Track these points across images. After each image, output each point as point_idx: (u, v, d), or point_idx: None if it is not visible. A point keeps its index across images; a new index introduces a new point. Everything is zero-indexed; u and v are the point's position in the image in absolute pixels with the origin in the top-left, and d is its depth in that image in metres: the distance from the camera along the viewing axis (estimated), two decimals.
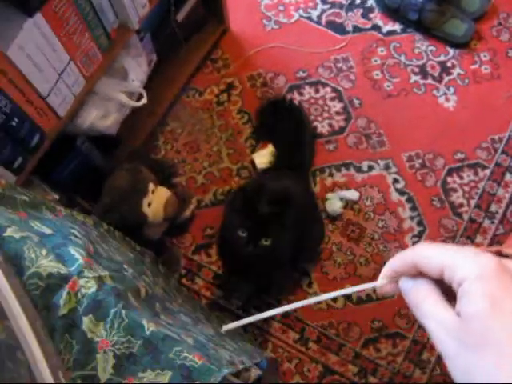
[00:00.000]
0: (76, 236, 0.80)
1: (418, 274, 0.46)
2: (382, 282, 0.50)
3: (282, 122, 1.63)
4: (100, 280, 0.69)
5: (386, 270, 0.49)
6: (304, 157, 1.59)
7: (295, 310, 1.51)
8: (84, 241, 0.79)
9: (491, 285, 0.40)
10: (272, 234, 1.16)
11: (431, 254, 0.44)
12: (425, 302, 0.44)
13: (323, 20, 1.88)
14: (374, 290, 0.52)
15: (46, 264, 0.66)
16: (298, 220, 1.22)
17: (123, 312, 0.66)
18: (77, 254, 0.71)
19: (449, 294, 0.44)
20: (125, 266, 0.87)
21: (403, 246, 1.57)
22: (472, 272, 0.40)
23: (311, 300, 0.55)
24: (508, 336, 0.38)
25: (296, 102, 1.75)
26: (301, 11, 1.89)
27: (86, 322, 0.63)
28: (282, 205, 1.15)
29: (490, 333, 0.38)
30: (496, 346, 0.38)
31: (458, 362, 0.40)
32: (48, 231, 0.77)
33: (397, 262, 0.48)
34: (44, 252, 0.68)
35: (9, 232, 0.68)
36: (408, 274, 0.47)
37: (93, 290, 0.66)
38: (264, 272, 1.35)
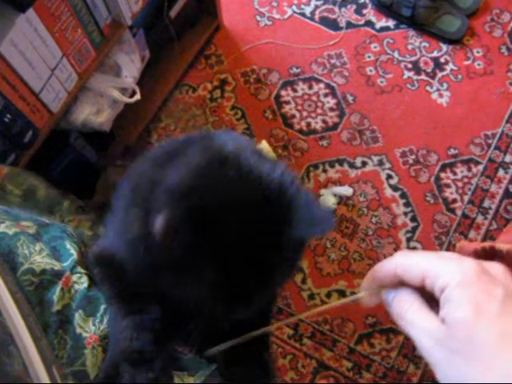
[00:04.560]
0: (72, 234, 0.79)
1: (399, 283, 0.46)
2: (364, 295, 0.49)
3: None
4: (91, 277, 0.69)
5: (367, 282, 0.49)
6: None
7: (289, 307, 1.51)
8: (78, 240, 0.79)
9: (474, 290, 0.40)
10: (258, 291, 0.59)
11: (411, 263, 0.44)
12: (408, 312, 0.44)
13: (316, 16, 1.88)
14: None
15: (40, 260, 0.66)
16: None
17: (110, 311, 0.66)
18: (72, 249, 0.71)
19: (431, 301, 0.44)
20: None
21: (397, 242, 1.58)
22: (454, 278, 0.40)
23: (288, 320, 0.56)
24: (494, 340, 0.38)
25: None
26: (294, 7, 1.89)
27: (77, 317, 0.63)
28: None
29: (475, 338, 0.38)
30: (483, 351, 0.38)
31: (445, 368, 0.40)
32: (46, 220, 0.77)
33: (377, 272, 0.48)
34: (38, 248, 0.68)
35: (2, 228, 0.68)
36: (389, 283, 0.47)
37: (85, 285, 0.66)
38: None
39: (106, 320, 0.64)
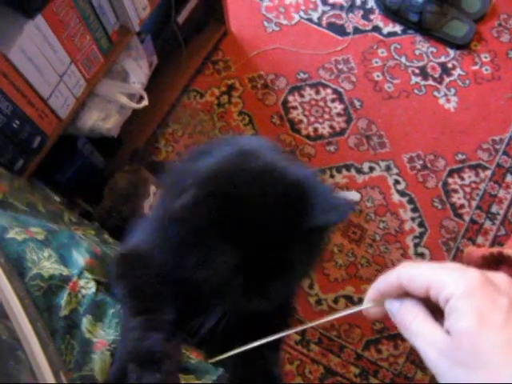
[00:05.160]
0: (80, 237, 0.80)
1: (404, 294, 0.46)
2: (368, 306, 0.49)
3: None
4: (99, 283, 0.69)
5: (372, 293, 0.49)
6: None
7: (296, 312, 1.51)
8: (89, 243, 0.79)
9: (478, 300, 0.40)
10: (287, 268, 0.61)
11: (415, 274, 0.44)
12: (413, 322, 0.44)
13: (324, 22, 1.88)
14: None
15: (49, 266, 0.66)
16: None
17: (121, 312, 0.66)
18: (80, 256, 0.71)
19: (436, 312, 0.44)
20: None
21: (404, 248, 1.57)
22: (458, 288, 0.40)
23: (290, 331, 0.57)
24: (498, 350, 0.38)
25: None
26: (301, 13, 1.89)
27: (85, 322, 0.63)
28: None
29: (479, 348, 0.38)
30: (487, 361, 0.38)
31: (450, 379, 0.40)
32: (54, 227, 0.78)
33: (381, 284, 0.48)
34: (46, 254, 0.68)
35: (11, 234, 0.68)
36: (393, 294, 0.47)
37: (93, 290, 0.66)
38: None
39: (114, 324, 0.64)
